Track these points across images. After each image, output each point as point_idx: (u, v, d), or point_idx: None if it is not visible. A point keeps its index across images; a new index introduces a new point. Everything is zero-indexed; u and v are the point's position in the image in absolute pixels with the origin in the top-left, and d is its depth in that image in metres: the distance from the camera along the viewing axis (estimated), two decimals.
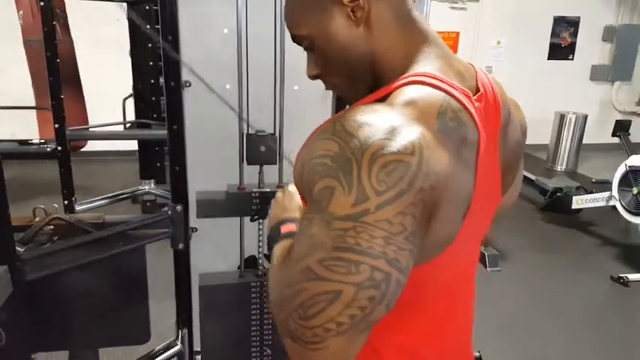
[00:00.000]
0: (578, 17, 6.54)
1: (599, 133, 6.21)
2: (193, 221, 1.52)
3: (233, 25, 1.39)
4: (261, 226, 1.48)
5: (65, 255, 1.30)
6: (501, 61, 6.36)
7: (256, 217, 1.43)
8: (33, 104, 3.44)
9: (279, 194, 0.87)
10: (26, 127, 3.72)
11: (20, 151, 2.69)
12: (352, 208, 0.50)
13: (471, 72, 0.67)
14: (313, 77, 0.70)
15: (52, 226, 1.39)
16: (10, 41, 3.62)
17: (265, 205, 1.41)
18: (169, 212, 1.46)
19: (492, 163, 0.66)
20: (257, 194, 1.43)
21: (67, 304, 1.42)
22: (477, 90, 0.65)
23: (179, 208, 1.45)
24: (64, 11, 3.06)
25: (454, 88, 0.60)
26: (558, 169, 5.82)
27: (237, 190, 1.45)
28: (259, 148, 1.38)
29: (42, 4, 2.40)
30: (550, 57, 6.64)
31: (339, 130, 0.53)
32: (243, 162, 1.43)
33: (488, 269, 3.29)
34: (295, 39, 0.69)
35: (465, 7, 6.10)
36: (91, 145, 4.02)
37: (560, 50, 6.68)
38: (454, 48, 6.25)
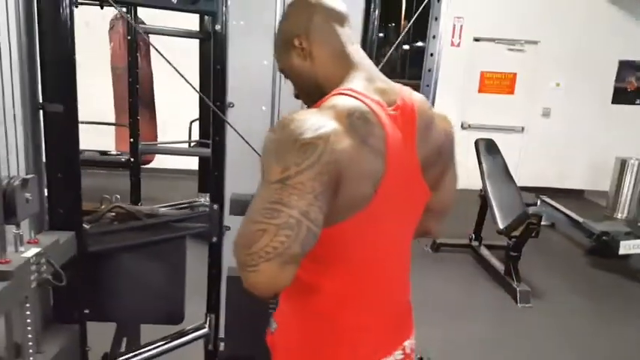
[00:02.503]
0: None
1: None
2: (227, 220, 1.78)
3: (270, 59, 1.68)
4: None
5: (121, 235, 1.61)
6: (560, 103, 6.31)
7: None
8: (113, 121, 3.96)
9: None
10: (107, 141, 4.26)
11: (100, 160, 3.13)
12: (280, 175, 0.76)
13: (396, 91, 0.92)
14: (296, 96, 1.00)
15: (113, 213, 1.72)
16: (103, 69, 4.22)
17: None
18: (207, 210, 1.74)
19: (408, 154, 0.89)
20: None
21: (119, 279, 1.66)
22: (397, 103, 0.90)
23: (215, 206, 1.73)
24: (147, 44, 3.57)
25: (368, 98, 0.85)
26: (618, 217, 5.61)
27: None
28: None
29: (129, 37, 2.87)
30: (615, 101, 6.49)
31: (280, 126, 0.80)
32: None
33: (518, 305, 3.28)
34: (280, 71, 1.01)
35: (523, 49, 6.17)
36: (159, 162, 4.50)
37: (627, 95, 6.51)
38: (511, 88, 6.30)
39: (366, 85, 0.89)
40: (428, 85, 1.74)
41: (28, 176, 1.14)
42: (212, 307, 1.88)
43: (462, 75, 6.22)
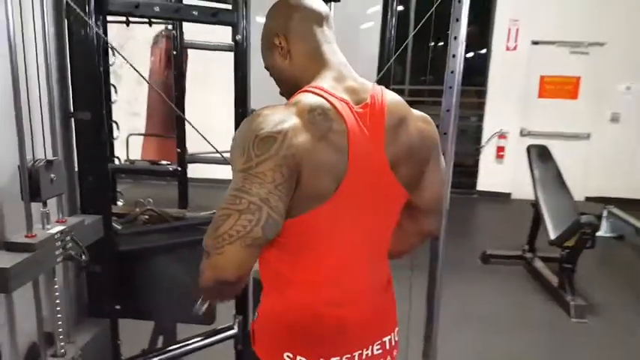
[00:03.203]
0: None
1: None
2: None
3: None
4: None
5: (151, 236, 1.71)
6: (630, 107, 5.87)
7: None
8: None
9: None
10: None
11: (151, 169, 3.32)
12: (244, 165, 0.83)
13: (367, 90, 0.95)
14: (281, 94, 1.04)
15: (146, 216, 1.83)
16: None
17: None
18: None
19: (375, 151, 0.91)
20: None
21: (152, 279, 1.75)
22: (365, 102, 0.93)
23: None
24: (185, 62, 3.79)
25: (333, 96, 0.89)
26: None
27: None
28: None
29: (174, 52, 3.05)
30: None
31: (246, 121, 0.88)
32: None
33: (572, 320, 3.07)
34: (265, 69, 1.05)
35: (587, 51, 5.82)
36: (201, 173, 4.67)
37: None
38: (574, 93, 5.96)
39: (333, 83, 0.93)
40: (451, 87, 1.69)
41: (53, 158, 1.25)
42: (240, 308, 1.93)
43: (520, 80, 5.98)
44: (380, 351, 1.01)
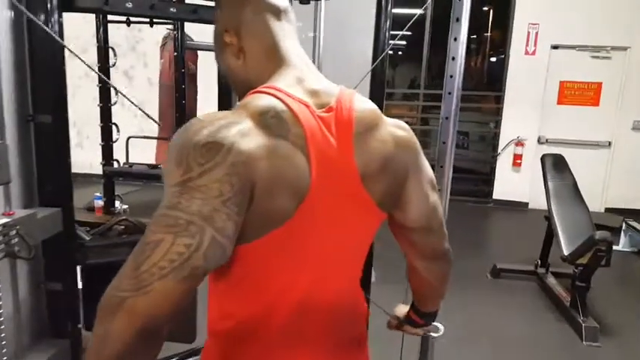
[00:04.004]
0: None
1: None
2: None
3: None
4: None
5: (122, 249, 1.60)
6: None
7: None
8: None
9: None
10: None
11: (148, 173, 3.22)
12: (181, 177, 0.67)
13: (332, 94, 0.81)
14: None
15: (123, 226, 1.72)
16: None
17: None
18: None
19: (343, 160, 0.77)
20: None
21: None
22: (330, 105, 0.79)
23: None
24: (195, 63, 3.69)
25: (290, 97, 0.75)
26: None
27: None
28: None
29: (175, 54, 2.96)
30: None
31: (183, 128, 0.71)
32: None
33: (584, 343, 2.88)
34: (223, 74, 0.91)
35: (610, 55, 5.57)
36: None
37: None
38: (595, 99, 5.71)
39: (292, 84, 0.79)
40: (450, 93, 1.56)
41: None
42: None
43: (538, 86, 5.75)
44: None
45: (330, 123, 0.77)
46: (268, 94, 0.75)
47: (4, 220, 1.16)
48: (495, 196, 6.09)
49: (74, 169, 1.44)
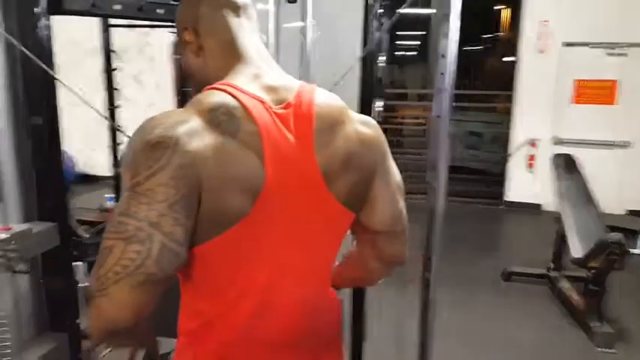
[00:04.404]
0: None
1: None
2: None
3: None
4: None
5: None
6: None
7: None
8: None
9: None
10: None
11: None
12: (130, 181, 0.68)
13: (291, 90, 0.79)
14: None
15: None
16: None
17: None
18: None
19: (302, 158, 0.76)
20: None
21: None
22: (288, 101, 0.77)
23: None
24: None
25: (243, 93, 0.74)
26: None
27: None
28: None
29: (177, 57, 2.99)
30: None
31: (136, 129, 0.71)
32: None
33: (597, 349, 2.78)
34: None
35: (625, 52, 5.43)
36: None
37: None
38: (611, 98, 5.56)
39: (248, 80, 0.78)
40: (441, 90, 1.52)
41: None
42: None
43: (551, 85, 5.64)
44: None
45: (289, 119, 0.75)
46: (221, 90, 0.74)
47: (3, 235, 1.19)
48: (507, 198, 5.98)
49: (91, 172, 1.48)
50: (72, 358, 1.48)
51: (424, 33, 9.12)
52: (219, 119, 0.70)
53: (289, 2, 1.49)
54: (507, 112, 6.10)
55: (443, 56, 1.52)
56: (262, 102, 0.75)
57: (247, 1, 0.87)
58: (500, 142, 6.34)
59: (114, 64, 2.80)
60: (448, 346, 2.70)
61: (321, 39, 1.48)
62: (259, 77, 0.79)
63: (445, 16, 1.50)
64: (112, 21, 2.71)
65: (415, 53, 11.52)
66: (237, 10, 0.84)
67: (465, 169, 6.72)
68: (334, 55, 1.45)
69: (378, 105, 3.28)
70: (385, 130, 0.92)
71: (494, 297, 3.46)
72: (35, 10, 1.26)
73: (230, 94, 0.73)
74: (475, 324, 3.01)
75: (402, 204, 0.89)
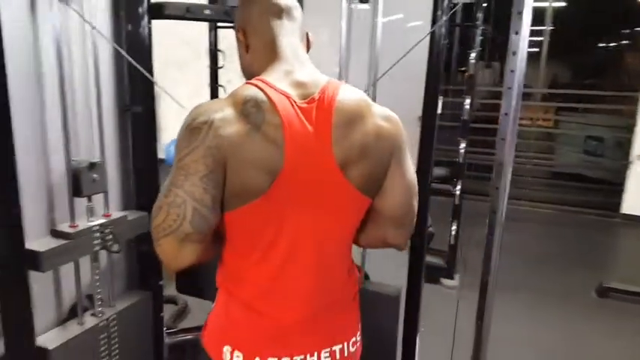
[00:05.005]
0: None
1: None
2: None
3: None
4: None
5: None
6: None
7: None
8: None
9: None
10: None
11: None
12: (176, 157, 0.85)
13: (318, 86, 0.91)
14: None
15: None
16: None
17: None
18: None
19: (319, 147, 0.87)
20: None
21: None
22: (312, 96, 0.89)
23: None
24: None
25: (272, 88, 0.87)
26: None
27: None
28: None
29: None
30: None
31: (188, 114, 0.88)
32: None
33: None
34: None
35: None
36: None
37: None
38: None
39: (279, 76, 0.91)
40: (510, 88, 1.50)
41: (95, 160, 1.44)
42: None
43: None
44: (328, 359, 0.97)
45: (311, 112, 0.87)
46: (254, 85, 0.88)
47: (101, 220, 1.47)
48: (625, 210, 5.37)
49: None
50: (154, 311, 1.74)
51: (542, 28, 8.47)
52: (248, 110, 0.84)
53: (361, 2, 1.58)
54: (629, 115, 5.49)
55: (514, 53, 1.50)
56: (288, 97, 0.87)
57: (292, 3, 1.00)
58: (624, 149, 5.73)
59: (220, 63, 3.02)
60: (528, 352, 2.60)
61: (390, 35, 1.55)
62: (290, 74, 0.91)
63: (518, 15, 1.48)
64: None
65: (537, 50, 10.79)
66: (280, 13, 0.97)
67: (580, 177, 6.22)
68: (404, 49, 1.52)
69: (467, 103, 3.22)
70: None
71: (586, 314, 3.22)
72: (139, 14, 1.50)
73: (261, 89, 0.86)
74: (561, 338, 2.85)
75: (413, 201, 0.98)
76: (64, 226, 1.39)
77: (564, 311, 3.22)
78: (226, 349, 0.95)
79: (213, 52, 3.00)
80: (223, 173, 0.83)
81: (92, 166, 1.41)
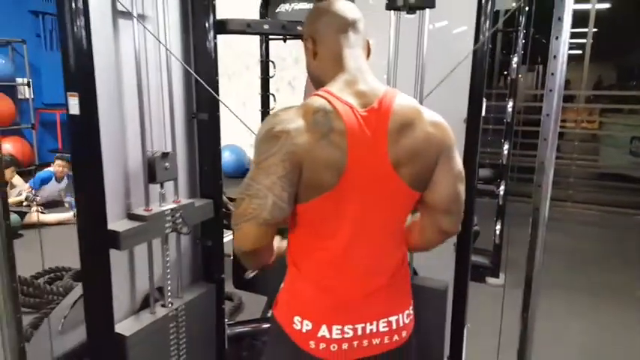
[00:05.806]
0: None
1: None
2: None
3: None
4: None
5: None
6: None
7: None
8: None
9: None
10: None
11: None
12: (256, 159, 1.01)
13: (377, 95, 1.03)
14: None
15: None
16: None
17: None
18: None
19: (376, 150, 1.01)
20: None
21: None
22: (371, 105, 1.02)
23: None
24: None
25: (338, 99, 1.00)
26: None
27: None
28: None
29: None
30: None
31: (265, 120, 1.03)
32: None
33: None
34: None
35: None
36: None
37: None
38: None
39: (343, 87, 1.04)
40: (551, 90, 1.56)
41: (167, 151, 1.60)
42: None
43: None
44: (386, 329, 1.11)
45: (370, 120, 1.01)
46: (322, 97, 1.02)
47: (172, 205, 1.64)
48: None
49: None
50: (216, 304, 1.89)
51: (585, 30, 8.27)
52: (318, 120, 0.98)
53: (408, 13, 1.67)
54: None
55: (554, 57, 1.56)
56: (351, 107, 1.00)
57: (357, 16, 1.12)
58: None
59: (271, 72, 3.16)
60: (566, 350, 2.61)
61: (436, 41, 1.64)
62: (353, 84, 1.04)
63: (559, 20, 1.54)
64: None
65: (580, 52, 10.51)
66: (346, 27, 1.09)
67: (626, 178, 6.07)
68: (449, 57, 1.61)
69: (509, 105, 3.25)
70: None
71: (627, 313, 3.19)
72: (205, 30, 1.66)
73: (328, 100, 1.00)
74: (597, 339, 2.84)
75: (460, 189, 1.10)
76: (140, 210, 1.55)
77: (609, 310, 3.18)
78: (297, 318, 1.09)
79: (265, 63, 3.17)
80: (298, 174, 0.98)
81: (164, 155, 1.57)
